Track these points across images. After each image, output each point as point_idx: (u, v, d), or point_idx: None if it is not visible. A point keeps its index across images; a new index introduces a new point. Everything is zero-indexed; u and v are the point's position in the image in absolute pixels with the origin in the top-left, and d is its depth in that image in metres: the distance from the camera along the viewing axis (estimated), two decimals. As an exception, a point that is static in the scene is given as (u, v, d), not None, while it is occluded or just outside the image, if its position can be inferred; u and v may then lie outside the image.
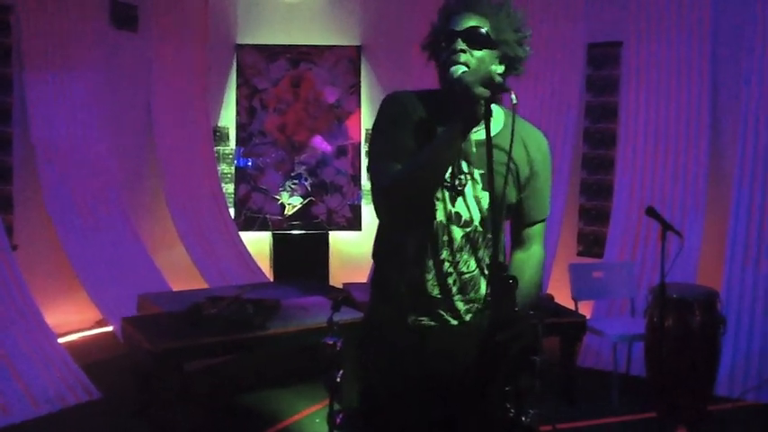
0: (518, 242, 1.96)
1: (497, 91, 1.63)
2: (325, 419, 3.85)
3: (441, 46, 1.82)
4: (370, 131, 1.96)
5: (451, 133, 1.68)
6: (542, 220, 1.96)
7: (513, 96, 1.60)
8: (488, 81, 1.62)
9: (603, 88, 5.58)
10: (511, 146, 1.67)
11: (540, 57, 5.73)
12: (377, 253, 1.96)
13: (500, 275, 1.63)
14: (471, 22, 1.79)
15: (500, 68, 1.83)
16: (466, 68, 1.73)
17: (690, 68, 5.02)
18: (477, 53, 1.78)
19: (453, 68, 1.74)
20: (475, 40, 1.78)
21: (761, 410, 4.07)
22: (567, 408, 4.09)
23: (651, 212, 3.66)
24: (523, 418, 1.75)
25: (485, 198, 1.82)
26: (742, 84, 4.74)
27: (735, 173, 4.73)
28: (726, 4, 4.93)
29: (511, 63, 1.86)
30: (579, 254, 5.64)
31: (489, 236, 1.84)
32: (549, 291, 5.10)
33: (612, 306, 5.05)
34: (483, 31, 1.79)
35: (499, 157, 1.75)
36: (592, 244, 5.59)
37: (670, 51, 5.11)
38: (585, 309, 4.61)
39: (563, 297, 4.72)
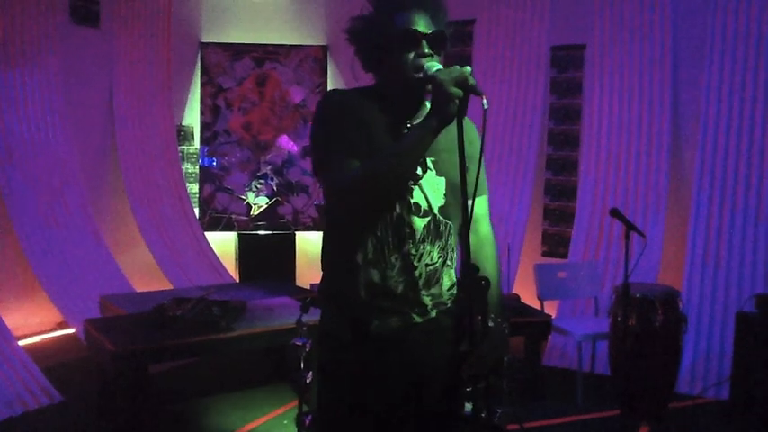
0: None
1: (471, 92, 1.63)
2: (292, 421, 3.84)
3: (396, 45, 1.79)
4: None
5: (425, 130, 1.68)
6: (484, 198, 1.97)
7: (485, 101, 1.59)
8: (463, 81, 1.63)
9: (567, 90, 5.65)
10: (460, 131, 1.66)
11: (505, 59, 5.79)
12: (329, 262, 1.89)
13: (472, 276, 1.63)
14: (425, 21, 1.80)
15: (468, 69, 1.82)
16: (439, 65, 1.73)
17: (651, 72, 5.12)
18: (436, 56, 1.79)
19: (428, 65, 1.74)
20: (437, 43, 1.80)
21: (720, 407, 4.16)
22: (533, 406, 4.13)
23: (615, 213, 3.72)
24: (491, 417, 1.77)
25: (441, 184, 1.82)
26: (702, 87, 4.85)
27: (695, 174, 4.84)
28: (686, 9, 5.03)
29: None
30: (544, 254, 5.70)
31: (449, 223, 1.84)
32: (515, 290, 5.16)
33: (576, 305, 5.12)
34: (443, 33, 1.80)
35: (446, 143, 1.76)
36: (556, 244, 5.66)
37: (632, 55, 5.20)
38: (550, 308, 4.67)
39: (528, 296, 4.77)
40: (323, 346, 1.92)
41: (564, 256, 5.47)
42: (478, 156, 1.70)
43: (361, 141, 1.76)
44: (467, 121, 1.89)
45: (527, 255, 5.53)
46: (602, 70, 5.34)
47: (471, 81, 1.63)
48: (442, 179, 1.82)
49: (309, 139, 1.90)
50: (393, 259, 1.78)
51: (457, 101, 1.63)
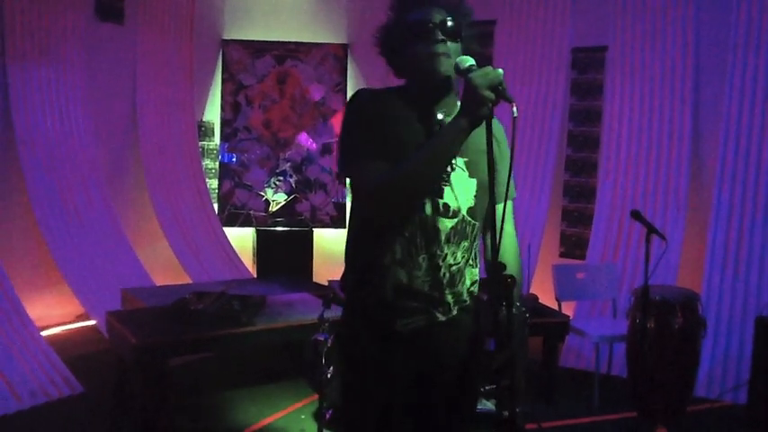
0: (490, 224, 1.92)
1: (502, 98, 1.63)
2: (310, 416, 3.88)
3: (410, 37, 1.82)
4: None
5: (455, 130, 1.68)
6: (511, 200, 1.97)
7: (515, 109, 1.59)
8: (496, 86, 1.62)
9: (587, 92, 5.64)
10: (489, 134, 1.66)
11: (526, 60, 5.80)
12: (355, 262, 1.90)
13: (499, 273, 1.65)
14: (439, 12, 1.81)
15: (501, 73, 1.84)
16: (473, 61, 1.73)
17: (673, 74, 5.10)
18: (451, 44, 1.80)
19: (461, 58, 1.74)
20: (449, 32, 1.80)
21: (738, 411, 4.15)
22: (549, 407, 4.14)
23: (636, 215, 3.72)
24: (514, 416, 1.78)
25: (472, 186, 1.83)
26: (724, 88, 4.83)
27: (715, 177, 4.82)
28: (709, 10, 5.01)
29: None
30: (561, 255, 5.70)
31: (476, 224, 1.86)
32: (533, 291, 5.16)
33: (594, 307, 5.12)
34: (455, 23, 1.81)
35: (477, 144, 1.76)
36: (574, 246, 5.65)
37: (654, 57, 5.19)
38: (567, 309, 4.67)
39: (545, 297, 4.77)
40: (347, 345, 1.93)
41: (581, 257, 5.46)
42: (509, 156, 1.71)
43: (389, 141, 1.77)
44: (497, 122, 1.91)
45: (544, 256, 5.53)
46: (623, 72, 5.32)
47: (504, 85, 1.63)
48: (474, 180, 1.84)
49: (338, 138, 1.92)
50: (420, 260, 1.79)
51: (490, 104, 1.64)
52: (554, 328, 4.28)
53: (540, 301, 4.74)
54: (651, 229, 3.66)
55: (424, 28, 1.79)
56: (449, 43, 1.79)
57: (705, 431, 3.93)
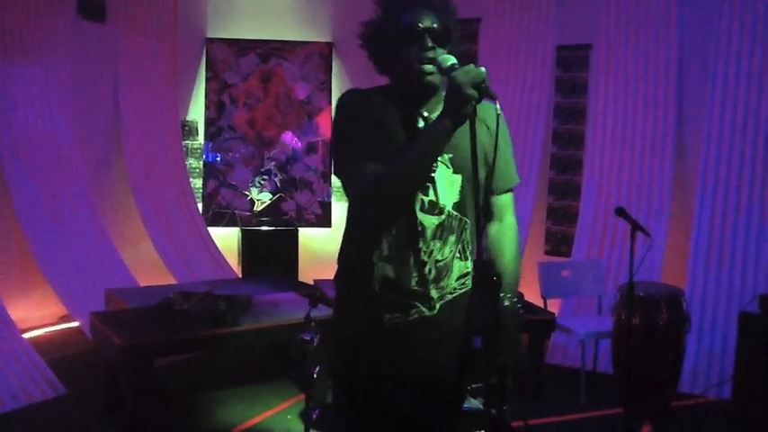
0: (492, 215, 1.98)
1: (485, 95, 1.65)
2: (296, 416, 3.87)
3: (400, 41, 1.83)
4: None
5: (439, 130, 1.69)
6: (511, 189, 2.00)
7: (498, 106, 1.62)
8: (479, 83, 1.63)
9: (572, 90, 5.66)
10: (473, 132, 1.67)
11: (511, 57, 5.80)
12: (346, 259, 1.95)
13: (486, 272, 1.65)
14: (429, 17, 1.82)
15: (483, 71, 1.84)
16: (454, 59, 1.74)
17: (657, 73, 5.13)
18: (440, 51, 1.81)
19: (443, 57, 1.75)
20: (439, 38, 1.82)
21: (722, 407, 4.18)
22: (536, 404, 4.15)
23: (621, 212, 3.73)
24: (502, 414, 1.78)
25: (456, 181, 1.85)
26: (707, 88, 4.86)
27: (698, 175, 4.85)
28: (693, 11, 5.04)
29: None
30: (547, 253, 5.72)
31: (465, 219, 1.87)
32: (519, 289, 5.16)
33: (579, 304, 5.14)
34: (445, 28, 1.83)
35: (461, 140, 1.75)
36: (559, 243, 5.67)
37: (638, 56, 5.21)
38: (553, 306, 4.68)
39: (531, 295, 4.78)
40: (337, 341, 1.95)
41: (566, 254, 5.48)
42: (500, 146, 1.74)
43: (377, 141, 1.80)
44: (492, 111, 1.90)
45: (530, 253, 5.55)
46: (607, 70, 5.35)
47: (487, 83, 1.64)
48: (459, 176, 1.85)
49: (330, 140, 1.95)
50: (407, 256, 1.82)
51: (473, 102, 1.64)
52: (540, 325, 4.29)
53: (525, 298, 4.75)
54: (636, 226, 3.67)
55: (413, 33, 1.81)
56: (437, 49, 1.81)
57: (690, 427, 3.96)
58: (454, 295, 1.88)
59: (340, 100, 1.89)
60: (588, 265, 4.89)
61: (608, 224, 5.19)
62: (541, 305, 4.53)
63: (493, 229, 1.96)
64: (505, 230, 1.96)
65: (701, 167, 4.85)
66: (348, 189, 1.84)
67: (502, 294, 1.74)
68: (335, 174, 1.89)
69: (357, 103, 1.87)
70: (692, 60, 5.05)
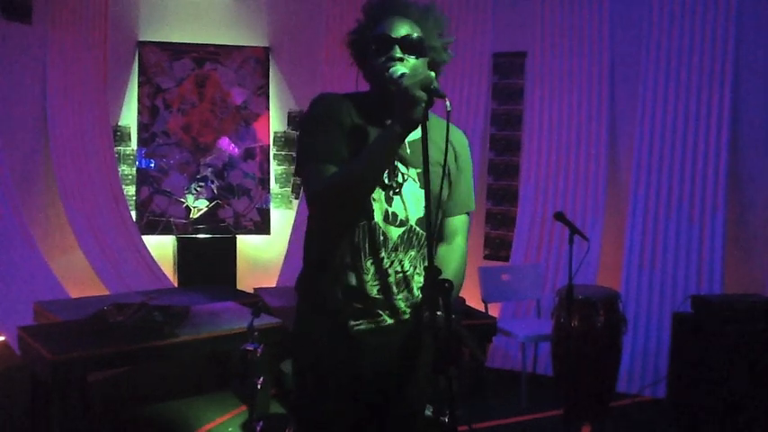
0: (443, 236, 2.00)
1: (434, 96, 1.65)
2: (237, 428, 3.78)
3: (372, 50, 1.85)
4: (296, 133, 1.95)
5: (390, 136, 1.70)
6: (467, 214, 2.02)
7: (448, 103, 1.63)
8: (427, 85, 1.64)
9: (509, 96, 5.74)
10: (447, 147, 1.71)
11: (449, 64, 5.84)
12: (309, 263, 1.94)
13: (436, 279, 1.64)
14: (403, 26, 1.83)
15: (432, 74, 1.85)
16: (405, 70, 1.75)
17: (590, 80, 5.26)
18: (411, 60, 1.82)
19: (393, 69, 1.77)
20: (411, 47, 1.83)
21: (657, 405, 4.30)
22: (478, 408, 4.17)
23: (560, 217, 3.80)
24: (452, 419, 1.77)
25: (422, 197, 1.84)
26: (638, 96, 5.01)
27: (631, 180, 5.00)
28: (623, 19, 5.19)
29: (437, 68, 1.92)
30: (486, 257, 5.77)
31: (423, 233, 1.86)
32: (460, 294, 5.20)
33: (519, 308, 5.20)
34: (418, 38, 1.84)
35: (433, 156, 1.77)
36: (498, 248, 5.73)
37: (571, 63, 5.34)
38: (493, 310, 4.73)
39: (472, 300, 4.82)
40: (299, 347, 1.94)
41: (505, 259, 5.55)
42: (468, 170, 1.86)
43: (340, 147, 1.80)
44: (458, 134, 1.96)
45: (469, 258, 5.51)
46: (542, 77, 5.45)
47: (435, 84, 1.65)
48: (424, 192, 1.83)
49: (296, 140, 1.95)
50: (368, 264, 1.83)
51: (423, 104, 1.63)
52: (482, 329, 4.32)
53: (467, 303, 4.78)
54: (574, 230, 3.74)
55: (383, 42, 1.82)
56: (411, 59, 1.81)
57: (628, 426, 4.06)
58: (416, 306, 1.88)
59: (313, 102, 1.90)
60: (527, 269, 4.97)
61: (545, 228, 5.28)
62: (482, 309, 4.57)
63: (441, 249, 1.97)
64: (452, 252, 1.97)
65: (633, 171, 5.00)
66: (305, 189, 1.84)
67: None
68: (296, 175, 1.90)
69: (324, 107, 1.86)
70: (622, 66, 5.20)
